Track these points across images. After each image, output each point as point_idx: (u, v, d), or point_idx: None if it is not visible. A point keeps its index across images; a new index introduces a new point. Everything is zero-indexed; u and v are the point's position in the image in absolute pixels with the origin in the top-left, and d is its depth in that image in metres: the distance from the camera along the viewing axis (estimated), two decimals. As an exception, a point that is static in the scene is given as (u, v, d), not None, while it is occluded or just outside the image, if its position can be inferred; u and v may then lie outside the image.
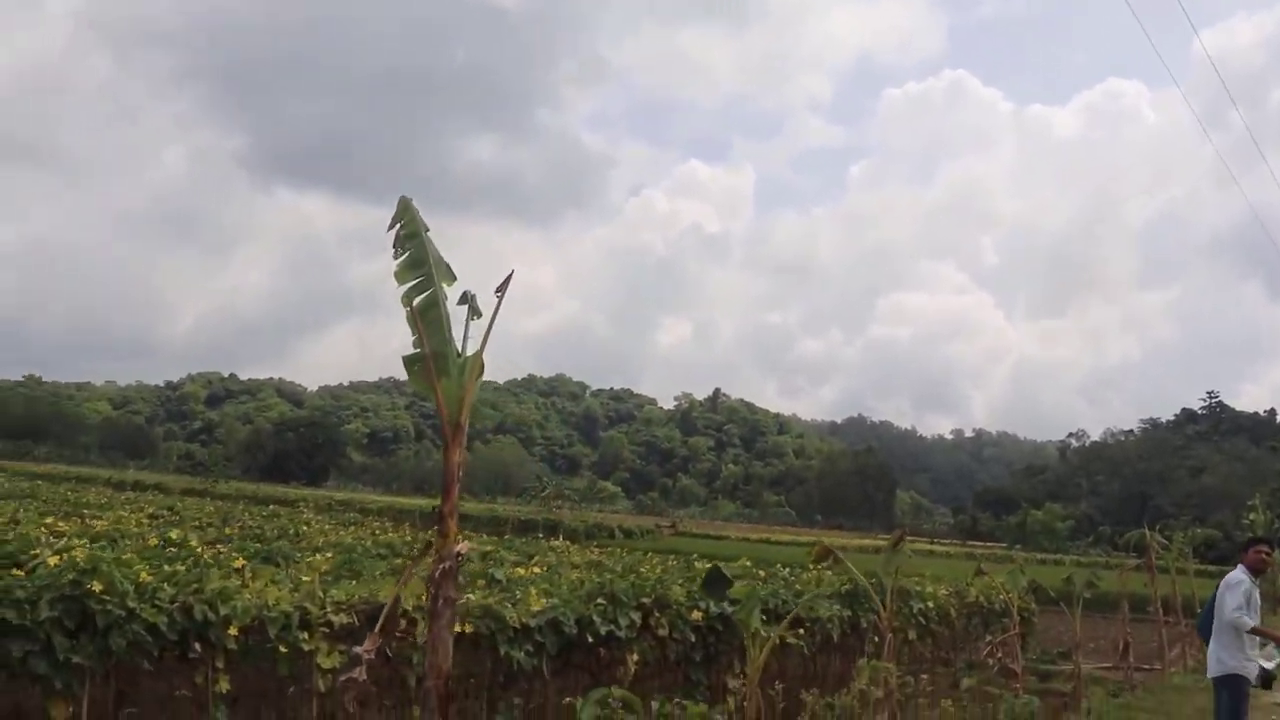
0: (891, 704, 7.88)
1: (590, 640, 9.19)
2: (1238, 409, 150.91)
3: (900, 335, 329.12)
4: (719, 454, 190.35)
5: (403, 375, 5.00)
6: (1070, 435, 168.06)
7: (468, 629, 8.08)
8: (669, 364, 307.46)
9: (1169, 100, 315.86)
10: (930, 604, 14.21)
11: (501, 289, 4.91)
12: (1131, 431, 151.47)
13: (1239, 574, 9.17)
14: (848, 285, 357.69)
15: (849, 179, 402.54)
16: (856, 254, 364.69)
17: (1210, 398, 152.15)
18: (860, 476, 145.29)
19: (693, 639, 10.25)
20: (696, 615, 10.20)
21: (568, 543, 25.90)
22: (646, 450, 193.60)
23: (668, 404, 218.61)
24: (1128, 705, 12.34)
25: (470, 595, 8.56)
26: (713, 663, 10.63)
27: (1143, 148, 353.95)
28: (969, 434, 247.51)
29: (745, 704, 6.80)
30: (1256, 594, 9.19)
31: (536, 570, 12.03)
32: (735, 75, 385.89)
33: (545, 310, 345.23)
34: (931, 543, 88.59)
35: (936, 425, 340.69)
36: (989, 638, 12.15)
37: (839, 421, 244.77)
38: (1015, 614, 11.98)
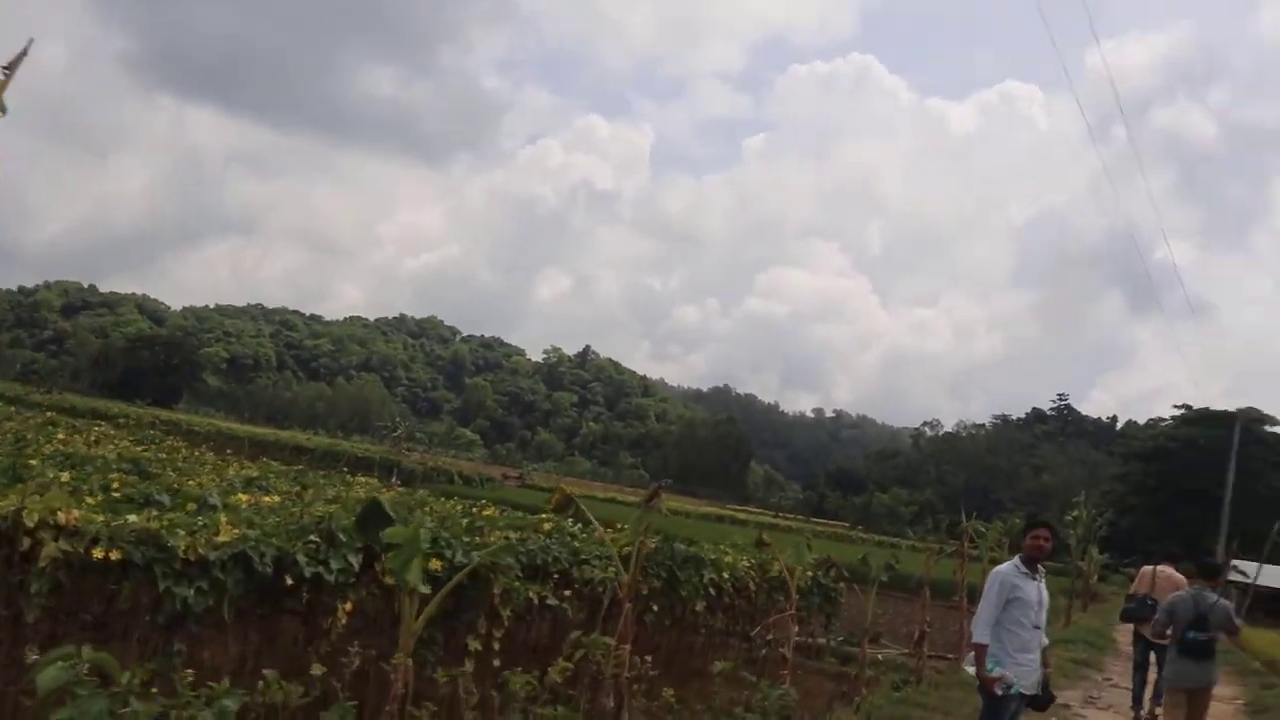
0: (616, 687, 6.67)
1: (291, 583, 7.75)
2: (1084, 413, 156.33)
3: (776, 311, 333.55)
4: (581, 411, 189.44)
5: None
6: (925, 424, 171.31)
7: (114, 556, 6.60)
8: (544, 316, 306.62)
9: (1060, 107, 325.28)
10: (725, 574, 13.11)
11: (12, 65, 3.47)
12: (983, 426, 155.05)
13: (1005, 567, 7.92)
14: (732, 256, 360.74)
15: (746, 150, 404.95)
16: (744, 226, 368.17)
17: (1060, 400, 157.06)
18: (718, 445, 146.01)
19: (427, 591, 8.88)
20: (436, 565, 8.81)
21: (377, 480, 24.23)
22: (510, 401, 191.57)
23: (537, 356, 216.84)
24: (905, 700, 11.41)
25: (131, 517, 7.04)
26: (454, 619, 9.28)
27: (1031, 151, 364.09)
28: (830, 414, 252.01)
29: (394, 677, 5.45)
30: (1033, 589, 7.80)
31: (275, 499, 10.43)
32: (647, 34, 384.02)
33: (427, 251, 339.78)
34: (776, 515, 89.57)
35: (800, 403, 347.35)
36: (773, 617, 11.11)
37: (705, 390, 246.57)
38: (793, 592, 10.89)
